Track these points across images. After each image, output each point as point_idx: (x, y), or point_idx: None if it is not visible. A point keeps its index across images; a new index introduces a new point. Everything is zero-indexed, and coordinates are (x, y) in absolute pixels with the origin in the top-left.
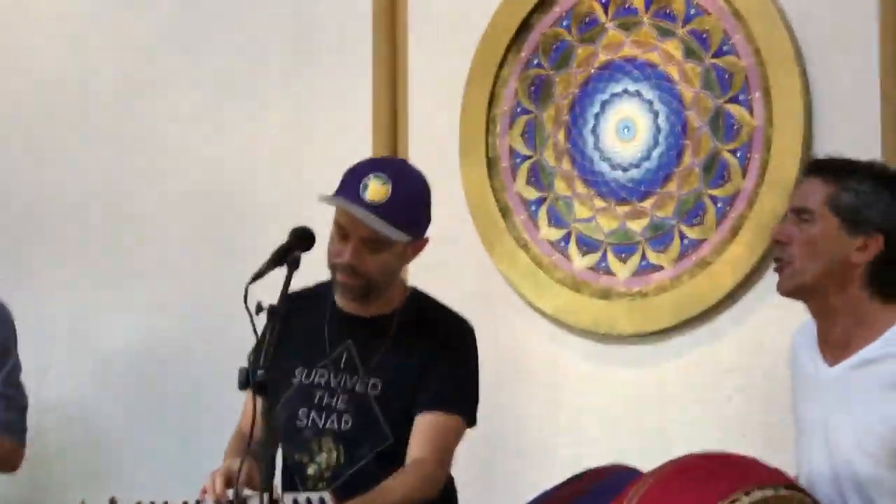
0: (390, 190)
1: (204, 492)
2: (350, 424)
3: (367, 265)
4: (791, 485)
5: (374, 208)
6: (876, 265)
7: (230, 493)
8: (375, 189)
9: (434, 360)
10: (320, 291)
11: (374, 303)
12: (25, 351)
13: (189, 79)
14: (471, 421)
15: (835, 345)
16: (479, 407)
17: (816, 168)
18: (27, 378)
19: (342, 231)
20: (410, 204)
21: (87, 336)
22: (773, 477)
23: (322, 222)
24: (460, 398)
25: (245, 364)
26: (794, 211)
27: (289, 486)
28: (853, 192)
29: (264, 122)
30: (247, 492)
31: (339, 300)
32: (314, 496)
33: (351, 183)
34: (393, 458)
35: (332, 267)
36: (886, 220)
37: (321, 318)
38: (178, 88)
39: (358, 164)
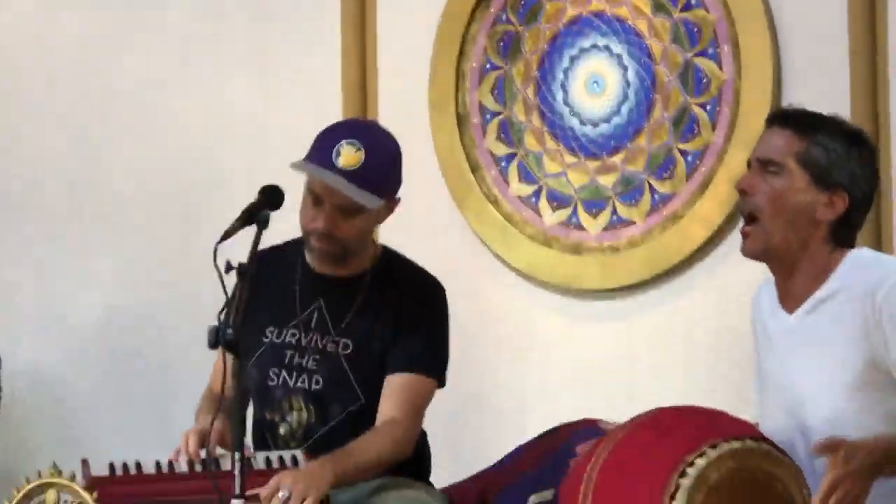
0: (363, 155)
1: (177, 452)
2: (321, 384)
3: (343, 231)
4: (758, 437)
5: (348, 175)
6: (838, 223)
7: (203, 452)
8: (348, 155)
9: (405, 320)
10: (290, 250)
11: (346, 264)
12: None
13: (152, 42)
14: (440, 381)
15: (795, 295)
16: (449, 364)
17: (783, 119)
18: None
19: (316, 197)
20: (384, 168)
21: (54, 303)
22: (740, 429)
23: (289, 184)
24: (431, 359)
25: (215, 324)
26: (759, 162)
27: (260, 444)
28: (823, 149)
29: (230, 84)
30: (219, 450)
31: (311, 261)
32: (286, 454)
33: (323, 149)
34: (364, 417)
35: (307, 233)
36: (853, 180)
37: (292, 278)
38: (140, 52)
39: (328, 128)
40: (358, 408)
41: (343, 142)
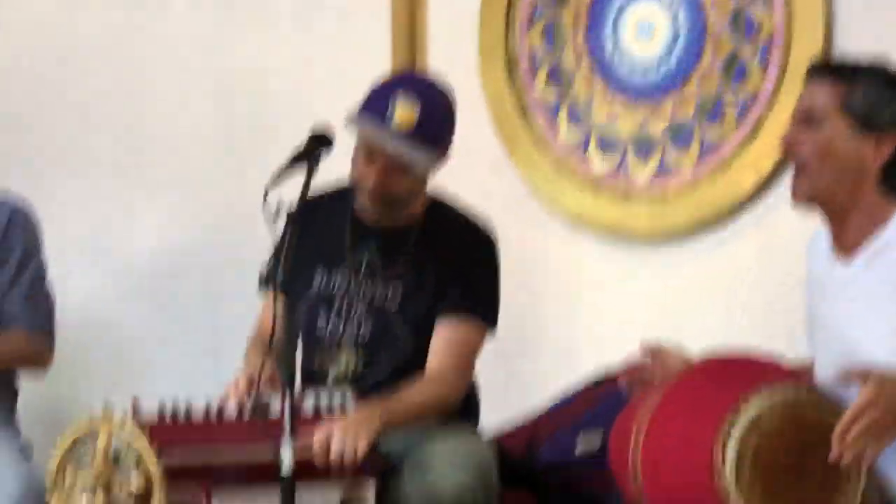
0: (419, 114)
1: (226, 397)
2: (369, 331)
3: (394, 187)
4: (811, 383)
5: (403, 134)
6: (889, 166)
7: (251, 398)
8: (404, 113)
9: (455, 268)
10: (339, 195)
11: (397, 214)
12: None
13: None
14: (492, 327)
15: (848, 245)
16: (499, 312)
17: (819, 71)
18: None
19: (368, 153)
20: (438, 125)
21: (105, 245)
22: (794, 376)
23: (339, 126)
24: (482, 305)
25: (264, 266)
26: (801, 116)
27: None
28: (863, 93)
29: (277, 27)
30: (269, 395)
31: (360, 209)
32: (336, 396)
33: (377, 104)
34: (412, 366)
35: (358, 187)
36: None
37: (341, 225)
38: None
39: (383, 82)
40: (405, 355)
41: (399, 99)
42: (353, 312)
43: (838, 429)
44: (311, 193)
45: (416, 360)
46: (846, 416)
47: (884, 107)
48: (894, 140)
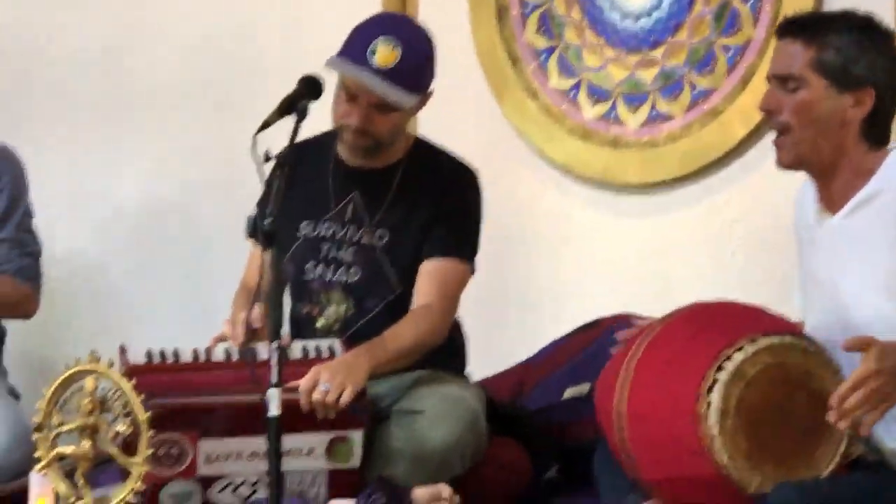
0: (399, 53)
1: (219, 340)
2: (358, 276)
3: (377, 126)
4: (796, 332)
5: (383, 73)
6: (870, 119)
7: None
8: (384, 53)
9: (439, 207)
10: (320, 142)
11: (380, 156)
12: None
13: None
14: (472, 267)
15: (836, 199)
16: (485, 257)
17: (790, 29)
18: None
19: (350, 93)
20: (419, 66)
21: (90, 191)
22: (778, 325)
23: (326, 74)
24: (464, 244)
25: (252, 213)
26: (777, 78)
27: (298, 337)
28: (835, 49)
29: None
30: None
31: (343, 153)
32: (323, 343)
33: (358, 46)
34: (402, 307)
35: (340, 127)
36: (873, 70)
37: (325, 171)
38: None
39: (363, 24)
40: (395, 298)
41: (379, 39)
42: (341, 258)
43: (837, 393)
44: (294, 143)
45: (406, 302)
46: (846, 383)
47: (857, 61)
48: (872, 92)
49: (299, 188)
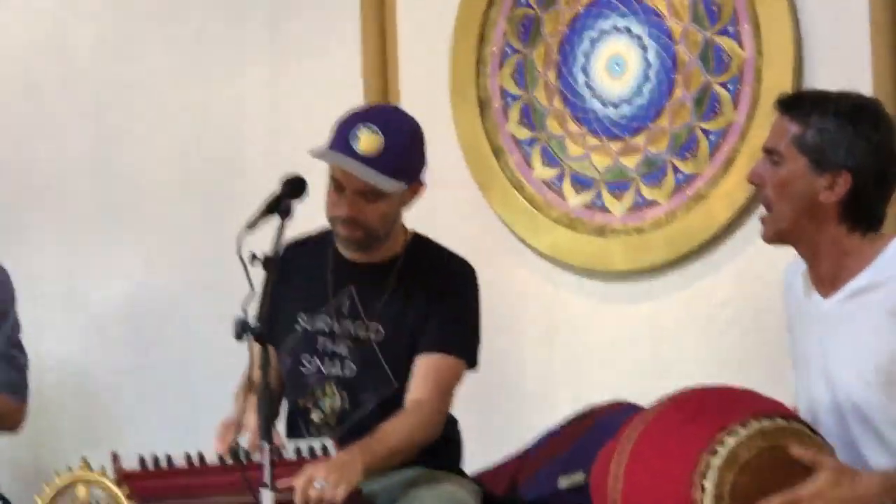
0: (382, 139)
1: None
2: (353, 370)
3: (366, 216)
4: (789, 415)
5: (367, 160)
6: (848, 202)
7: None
8: (367, 140)
9: (435, 303)
10: (321, 238)
11: (375, 250)
12: (20, 310)
13: (170, 33)
14: (472, 363)
15: (825, 278)
16: (478, 348)
17: (783, 105)
18: (24, 337)
19: (338, 184)
20: (403, 151)
21: (80, 294)
22: (771, 408)
23: (314, 171)
24: (461, 340)
25: (240, 314)
26: (765, 151)
27: (294, 432)
28: (817, 130)
29: (250, 72)
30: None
31: (341, 248)
32: (316, 443)
33: (341, 135)
34: (397, 403)
35: (332, 220)
36: (851, 156)
37: (323, 265)
38: (160, 43)
39: (347, 114)
40: (391, 394)
41: (361, 126)
42: (336, 352)
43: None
44: (293, 238)
45: (402, 397)
46: (788, 496)
47: (837, 144)
48: (848, 177)
49: (296, 282)
